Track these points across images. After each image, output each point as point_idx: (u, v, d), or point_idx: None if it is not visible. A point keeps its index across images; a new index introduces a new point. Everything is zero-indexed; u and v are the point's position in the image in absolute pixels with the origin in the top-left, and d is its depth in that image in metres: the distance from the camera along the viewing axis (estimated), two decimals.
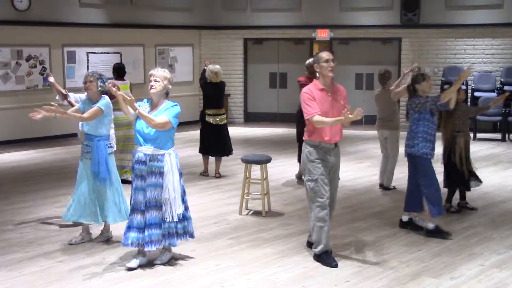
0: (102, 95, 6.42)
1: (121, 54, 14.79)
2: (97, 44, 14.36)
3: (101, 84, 6.42)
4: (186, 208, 5.88)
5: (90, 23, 14.19)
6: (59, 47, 13.79)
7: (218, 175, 9.86)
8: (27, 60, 13.32)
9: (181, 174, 5.81)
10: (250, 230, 7.03)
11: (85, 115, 6.30)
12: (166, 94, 5.81)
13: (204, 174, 9.94)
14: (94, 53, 14.26)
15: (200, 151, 9.96)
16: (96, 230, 6.67)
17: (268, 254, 6.19)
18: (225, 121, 9.84)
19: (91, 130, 6.40)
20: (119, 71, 9.88)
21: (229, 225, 7.26)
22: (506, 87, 14.48)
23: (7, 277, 5.59)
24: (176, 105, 5.77)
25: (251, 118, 16.99)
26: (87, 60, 14.22)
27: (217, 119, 9.68)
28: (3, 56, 12.94)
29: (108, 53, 14.50)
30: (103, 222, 6.54)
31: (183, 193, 5.83)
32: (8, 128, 13.10)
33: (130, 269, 5.71)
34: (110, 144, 6.51)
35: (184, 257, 6.02)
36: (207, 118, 9.65)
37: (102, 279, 5.54)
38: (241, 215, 7.66)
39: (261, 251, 6.28)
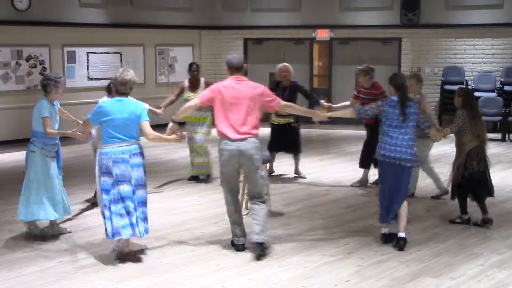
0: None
1: (121, 54, 14.79)
2: (97, 44, 14.35)
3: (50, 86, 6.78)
4: (105, 207, 5.91)
5: (90, 23, 14.18)
6: (59, 47, 13.79)
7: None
8: (27, 60, 13.32)
9: (104, 174, 5.92)
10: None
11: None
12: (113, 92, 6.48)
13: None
14: (94, 53, 14.26)
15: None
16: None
17: (268, 254, 6.19)
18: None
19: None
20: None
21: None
22: (506, 87, 14.48)
23: (7, 277, 5.59)
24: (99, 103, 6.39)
25: None
26: (87, 60, 14.21)
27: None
28: (3, 56, 12.94)
29: (108, 53, 14.49)
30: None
31: (103, 192, 5.90)
32: (8, 128, 13.09)
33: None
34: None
35: (184, 257, 6.02)
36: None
37: (102, 279, 5.55)
38: None
39: None
